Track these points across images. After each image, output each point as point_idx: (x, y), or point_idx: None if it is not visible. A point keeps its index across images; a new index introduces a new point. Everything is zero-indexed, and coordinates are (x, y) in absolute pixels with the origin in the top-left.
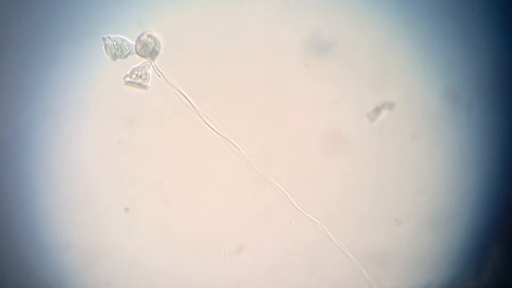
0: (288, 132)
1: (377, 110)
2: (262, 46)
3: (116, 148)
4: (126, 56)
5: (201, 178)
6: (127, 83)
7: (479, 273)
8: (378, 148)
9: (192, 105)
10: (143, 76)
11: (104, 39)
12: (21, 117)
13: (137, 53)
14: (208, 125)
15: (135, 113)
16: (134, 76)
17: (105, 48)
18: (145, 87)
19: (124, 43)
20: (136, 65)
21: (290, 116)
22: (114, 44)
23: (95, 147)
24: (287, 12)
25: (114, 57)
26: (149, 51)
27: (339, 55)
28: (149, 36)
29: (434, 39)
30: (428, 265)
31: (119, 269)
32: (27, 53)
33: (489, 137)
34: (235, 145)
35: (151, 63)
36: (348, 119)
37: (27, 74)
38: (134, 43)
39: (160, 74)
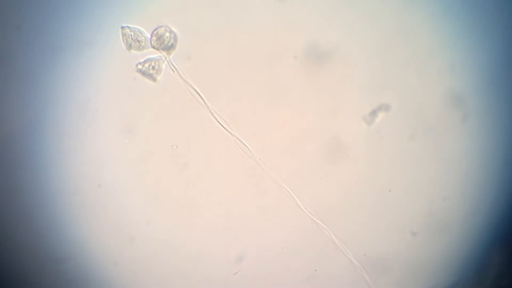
0: (289, 138)
1: (374, 113)
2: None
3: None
4: (141, 49)
5: (209, 178)
6: (138, 71)
7: (481, 279)
8: (379, 151)
9: (205, 102)
10: (156, 68)
11: (122, 28)
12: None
13: (152, 46)
14: (220, 123)
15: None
16: (147, 65)
17: (122, 37)
18: (155, 79)
19: (142, 36)
20: (152, 56)
21: (288, 122)
22: (132, 34)
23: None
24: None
25: (129, 47)
26: (164, 44)
27: (334, 60)
28: (166, 30)
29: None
30: (430, 270)
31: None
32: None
33: (490, 141)
34: (246, 145)
35: (166, 58)
36: (347, 123)
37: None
38: (150, 36)
39: (174, 69)
